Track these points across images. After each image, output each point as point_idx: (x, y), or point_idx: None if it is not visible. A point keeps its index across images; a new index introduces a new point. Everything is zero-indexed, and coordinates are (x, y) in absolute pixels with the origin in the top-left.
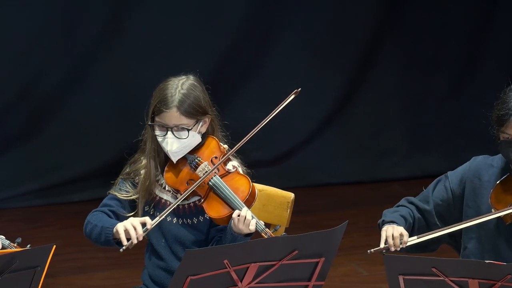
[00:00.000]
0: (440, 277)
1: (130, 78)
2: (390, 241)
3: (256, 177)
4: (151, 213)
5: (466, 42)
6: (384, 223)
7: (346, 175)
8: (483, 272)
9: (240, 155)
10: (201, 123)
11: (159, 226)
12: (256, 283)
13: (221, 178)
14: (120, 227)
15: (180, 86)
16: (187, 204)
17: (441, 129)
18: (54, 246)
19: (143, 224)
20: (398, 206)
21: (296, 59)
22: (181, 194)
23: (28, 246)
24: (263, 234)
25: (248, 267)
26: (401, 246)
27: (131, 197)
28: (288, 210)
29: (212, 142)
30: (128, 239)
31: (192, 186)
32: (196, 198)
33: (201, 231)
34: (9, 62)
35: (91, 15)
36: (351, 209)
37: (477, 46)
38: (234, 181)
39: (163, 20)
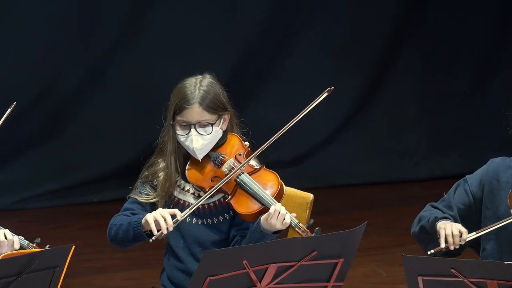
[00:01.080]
0: (459, 278)
1: (148, 79)
2: (450, 239)
3: None
4: None
5: (486, 42)
6: (437, 219)
7: (365, 176)
8: (502, 273)
9: (259, 155)
10: (222, 120)
11: (178, 226)
12: (275, 283)
13: (249, 174)
14: (150, 217)
15: (199, 83)
16: (207, 204)
17: (460, 129)
18: (73, 247)
19: (173, 216)
20: (424, 212)
21: (315, 60)
22: (204, 192)
23: (47, 246)
24: (296, 229)
25: (267, 268)
26: (460, 244)
27: (151, 200)
28: (307, 211)
29: (234, 139)
30: (158, 230)
31: (220, 182)
32: (219, 196)
33: (222, 231)
34: (28, 63)
35: (109, 16)
36: (370, 210)
37: (497, 46)
38: (262, 177)
39: (181, 21)
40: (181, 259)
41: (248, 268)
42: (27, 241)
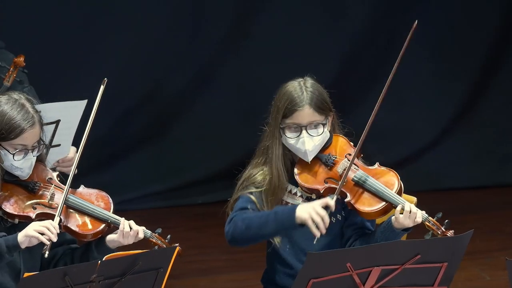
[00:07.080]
0: None
1: (254, 82)
2: None
3: None
4: None
5: None
6: None
7: (470, 179)
8: None
9: (364, 158)
10: (328, 120)
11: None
12: (379, 286)
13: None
14: (305, 214)
15: (303, 85)
16: None
17: None
18: (178, 248)
19: (326, 207)
20: None
21: (420, 63)
22: (318, 194)
23: (169, 236)
24: (426, 223)
25: (371, 271)
26: None
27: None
28: None
29: (340, 140)
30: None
31: (341, 182)
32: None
33: (333, 233)
34: (136, 64)
35: (218, 18)
36: (475, 213)
37: None
38: (379, 174)
39: (287, 24)
40: (288, 263)
41: (351, 270)
42: (150, 231)
